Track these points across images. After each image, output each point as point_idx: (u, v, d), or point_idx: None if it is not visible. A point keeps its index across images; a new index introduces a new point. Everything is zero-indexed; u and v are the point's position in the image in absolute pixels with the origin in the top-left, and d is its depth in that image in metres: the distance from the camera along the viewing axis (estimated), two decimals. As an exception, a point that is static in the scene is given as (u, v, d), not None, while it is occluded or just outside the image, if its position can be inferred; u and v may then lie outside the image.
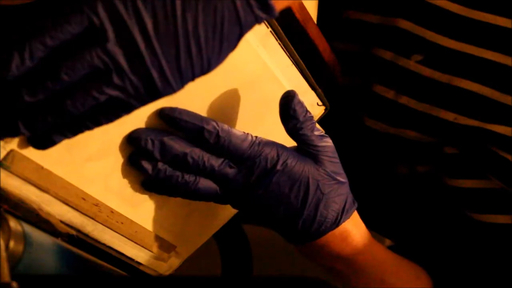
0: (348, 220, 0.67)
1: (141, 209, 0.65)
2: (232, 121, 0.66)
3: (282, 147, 0.64)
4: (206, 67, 0.54)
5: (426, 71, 0.79)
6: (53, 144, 0.53)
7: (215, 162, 0.62)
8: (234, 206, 0.67)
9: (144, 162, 0.60)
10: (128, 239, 0.65)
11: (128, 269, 0.67)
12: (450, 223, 0.83)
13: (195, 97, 0.61)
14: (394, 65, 0.81)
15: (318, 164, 0.65)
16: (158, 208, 0.66)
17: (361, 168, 0.85)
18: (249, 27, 0.54)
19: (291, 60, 0.68)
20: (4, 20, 0.50)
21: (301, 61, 0.69)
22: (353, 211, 0.68)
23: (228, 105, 0.65)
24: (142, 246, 0.67)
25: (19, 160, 0.54)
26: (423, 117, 0.80)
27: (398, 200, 0.86)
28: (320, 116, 0.73)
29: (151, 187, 0.63)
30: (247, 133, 0.63)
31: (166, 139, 0.60)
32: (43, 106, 0.50)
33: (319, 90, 0.72)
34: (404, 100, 0.81)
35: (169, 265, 0.71)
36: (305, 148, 0.65)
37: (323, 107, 0.73)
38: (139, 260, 0.68)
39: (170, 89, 0.53)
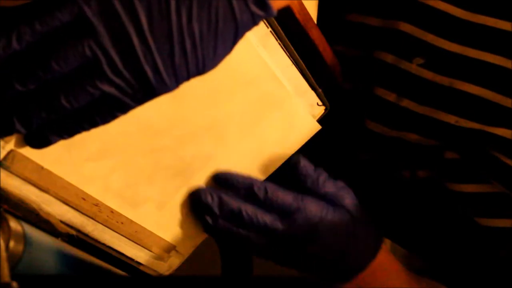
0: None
1: (141, 209, 0.65)
2: (231, 120, 0.66)
3: (318, 199, 0.68)
4: (201, 66, 0.53)
5: (428, 74, 0.79)
6: (49, 144, 0.53)
7: (267, 217, 0.66)
8: (281, 261, 0.70)
9: (207, 217, 0.67)
10: (128, 239, 0.65)
11: (128, 269, 0.67)
12: (452, 226, 0.83)
13: (194, 97, 0.61)
14: (396, 68, 0.80)
15: (346, 206, 0.69)
16: (158, 208, 0.66)
17: (363, 171, 0.85)
18: (246, 26, 0.54)
19: (291, 60, 0.68)
20: (4, 21, 0.50)
21: (301, 61, 0.69)
22: (382, 238, 0.72)
23: (227, 104, 0.65)
24: (142, 246, 0.67)
25: (19, 160, 0.54)
26: (424, 120, 0.80)
27: (400, 204, 0.86)
28: (320, 116, 0.73)
29: (210, 232, 0.70)
30: (289, 189, 0.67)
31: (223, 195, 0.67)
32: (37, 100, 0.50)
33: (319, 90, 0.72)
34: (405, 103, 0.80)
35: (169, 265, 0.71)
36: (331, 199, 0.69)
37: (323, 107, 0.73)
38: (139, 260, 0.68)
39: (165, 87, 0.52)
